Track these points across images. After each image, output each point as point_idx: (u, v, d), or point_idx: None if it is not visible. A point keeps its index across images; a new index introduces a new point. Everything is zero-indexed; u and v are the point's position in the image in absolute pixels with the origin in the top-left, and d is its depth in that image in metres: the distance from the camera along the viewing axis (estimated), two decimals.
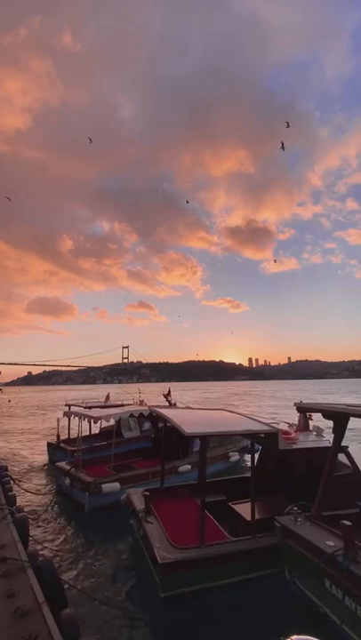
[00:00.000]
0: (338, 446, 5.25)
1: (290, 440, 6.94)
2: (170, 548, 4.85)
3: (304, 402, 5.89)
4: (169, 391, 14.65)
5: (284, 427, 7.88)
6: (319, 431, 7.87)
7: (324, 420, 5.53)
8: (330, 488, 5.16)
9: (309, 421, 8.38)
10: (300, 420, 8.38)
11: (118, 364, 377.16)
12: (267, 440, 5.90)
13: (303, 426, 8.34)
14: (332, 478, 5.21)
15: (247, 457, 12.06)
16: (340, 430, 5.13)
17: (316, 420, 7.80)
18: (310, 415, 8.27)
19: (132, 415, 10.85)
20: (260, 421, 6.22)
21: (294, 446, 6.81)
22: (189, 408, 12.04)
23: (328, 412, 5.17)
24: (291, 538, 4.60)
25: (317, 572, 4.03)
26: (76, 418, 10.90)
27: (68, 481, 9.14)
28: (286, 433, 7.13)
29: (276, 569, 4.97)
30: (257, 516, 5.52)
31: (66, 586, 4.38)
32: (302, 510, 4.92)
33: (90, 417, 9.82)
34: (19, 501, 8.12)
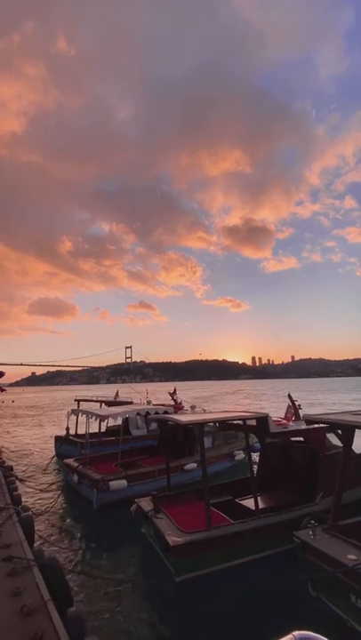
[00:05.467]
0: (348, 457, 5.27)
1: (281, 425, 7.10)
2: (180, 533, 5.08)
3: (313, 414, 5.92)
4: (175, 390, 14.73)
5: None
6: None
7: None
8: (330, 471, 5.29)
9: (300, 411, 8.46)
10: (288, 407, 8.41)
11: (121, 364, 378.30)
12: (258, 425, 6.14)
13: (295, 415, 8.43)
14: (345, 485, 5.22)
15: (253, 455, 12.08)
16: (348, 441, 5.14)
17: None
18: (300, 405, 8.43)
19: (139, 414, 10.88)
20: (251, 412, 6.82)
21: (286, 429, 6.96)
22: (194, 409, 12.13)
23: (335, 425, 5.17)
24: (311, 553, 4.57)
25: (341, 586, 3.98)
26: (84, 415, 10.93)
27: (75, 477, 9.20)
28: (277, 421, 7.27)
29: (284, 547, 5.14)
30: (263, 506, 5.74)
31: (72, 583, 4.36)
32: (319, 522, 4.90)
33: (98, 415, 9.82)
34: (25, 499, 8.16)
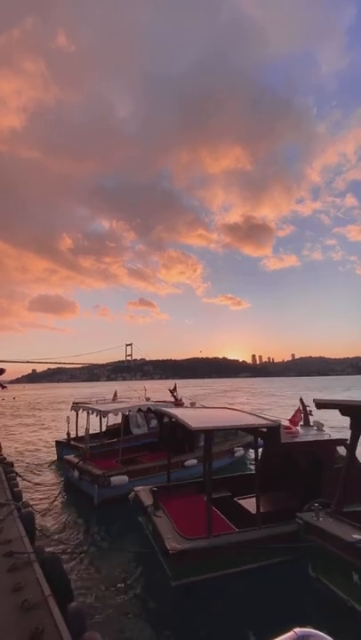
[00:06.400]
0: (356, 442, 5.24)
1: (291, 434, 6.98)
2: (179, 539, 4.98)
3: (324, 399, 5.84)
4: (175, 387, 14.67)
5: (285, 423, 7.86)
6: (320, 426, 7.84)
7: (324, 416, 5.51)
8: (336, 482, 5.20)
9: (310, 417, 8.34)
10: (298, 410, 8.31)
11: (122, 362, 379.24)
12: (269, 434, 6.03)
13: (304, 421, 8.29)
14: (353, 474, 5.22)
15: (252, 452, 12.09)
16: (358, 426, 5.11)
17: (318, 416, 7.80)
18: (311, 411, 8.29)
19: (139, 410, 10.90)
20: (261, 417, 6.48)
21: (296, 439, 6.83)
22: (193, 405, 12.14)
23: (346, 408, 5.12)
24: (313, 533, 4.60)
25: (343, 565, 4.02)
26: (84, 412, 10.89)
27: (76, 473, 9.21)
28: (288, 428, 7.17)
29: (283, 558, 5.09)
30: (262, 510, 5.62)
31: (72, 579, 4.37)
32: (322, 507, 4.93)
33: (98, 410, 9.84)
34: (27, 496, 8.18)
